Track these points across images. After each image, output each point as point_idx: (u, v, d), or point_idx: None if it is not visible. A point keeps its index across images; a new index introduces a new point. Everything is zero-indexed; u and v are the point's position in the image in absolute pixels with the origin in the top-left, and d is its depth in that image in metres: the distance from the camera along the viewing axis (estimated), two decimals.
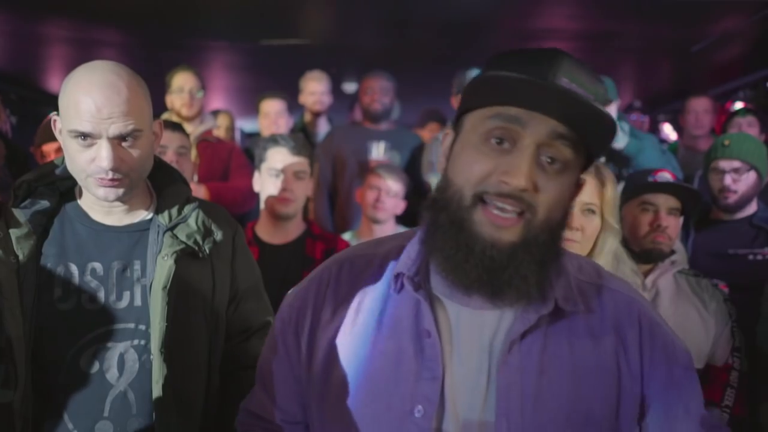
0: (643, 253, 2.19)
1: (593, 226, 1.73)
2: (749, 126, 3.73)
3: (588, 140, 0.98)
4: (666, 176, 2.24)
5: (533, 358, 0.99)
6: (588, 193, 1.72)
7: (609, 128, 0.95)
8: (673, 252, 2.25)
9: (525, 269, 0.96)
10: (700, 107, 4.26)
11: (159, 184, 1.64)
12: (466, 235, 0.96)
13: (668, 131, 6.68)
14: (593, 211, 1.73)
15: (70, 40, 5.23)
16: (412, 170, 3.73)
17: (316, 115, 4.41)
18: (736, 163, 2.66)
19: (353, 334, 1.07)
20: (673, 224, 2.20)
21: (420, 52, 5.35)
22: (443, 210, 1.00)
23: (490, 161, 0.96)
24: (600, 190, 1.74)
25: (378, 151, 3.64)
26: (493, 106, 0.97)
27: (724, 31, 4.66)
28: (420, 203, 1.10)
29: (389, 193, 3.00)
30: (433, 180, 3.56)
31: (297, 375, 1.14)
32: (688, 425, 1.04)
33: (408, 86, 5.59)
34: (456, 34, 5.09)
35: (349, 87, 6.42)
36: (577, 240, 1.70)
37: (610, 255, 1.76)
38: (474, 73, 3.61)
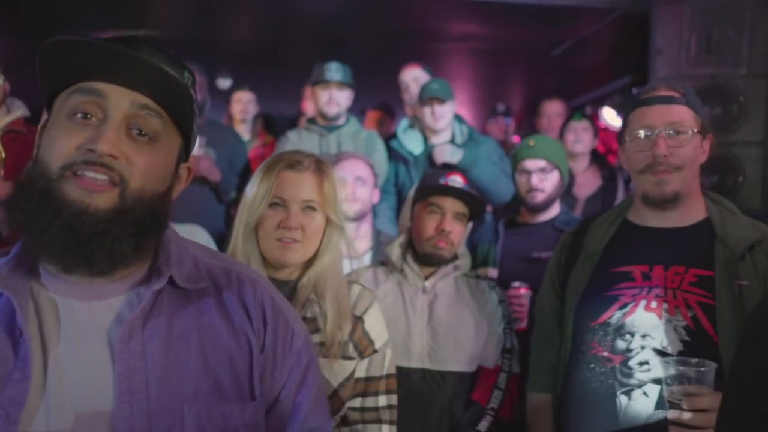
0: (424, 255, 2.17)
1: (315, 224, 1.62)
2: (584, 130, 3.76)
3: (170, 110, 1.02)
4: (457, 180, 2.21)
5: (157, 339, 0.99)
6: (307, 190, 1.62)
7: (185, 98, 1.00)
8: (456, 257, 2.22)
9: (117, 239, 0.96)
10: (552, 111, 4.27)
11: None
12: (54, 203, 0.94)
13: None
14: (314, 208, 1.63)
15: None
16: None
17: None
18: (542, 163, 2.68)
19: None
20: (457, 230, 2.17)
21: (286, 48, 5.24)
22: (29, 185, 0.96)
23: (77, 135, 0.96)
24: (320, 186, 1.64)
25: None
26: (77, 83, 0.99)
27: (579, 35, 4.74)
28: None
29: None
30: None
31: None
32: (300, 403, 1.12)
33: (279, 82, 5.46)
34: (322, 30, 4.99)
35: (224, 83, 6.23)
36: (298, 239, 1.60)
37: (335, 251, 1.67)
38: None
